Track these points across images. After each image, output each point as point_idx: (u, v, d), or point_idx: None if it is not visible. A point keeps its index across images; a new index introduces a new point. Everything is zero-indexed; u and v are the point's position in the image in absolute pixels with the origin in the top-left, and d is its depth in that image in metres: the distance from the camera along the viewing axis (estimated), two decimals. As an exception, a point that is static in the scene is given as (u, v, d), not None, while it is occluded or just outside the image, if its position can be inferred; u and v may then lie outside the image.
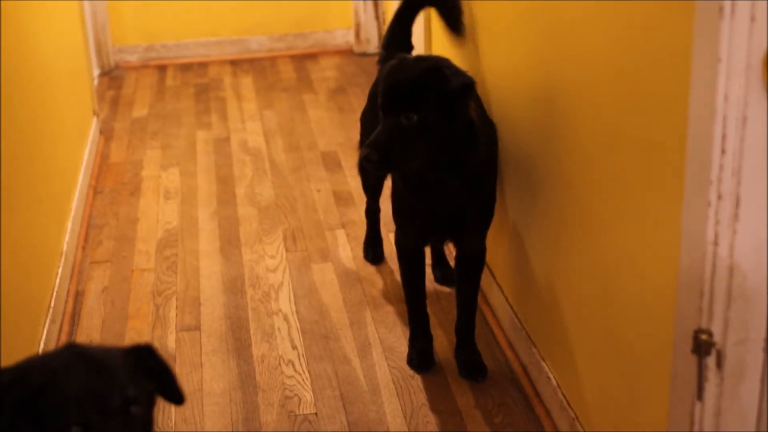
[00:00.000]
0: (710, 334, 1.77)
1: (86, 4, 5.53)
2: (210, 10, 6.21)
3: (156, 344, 3.16)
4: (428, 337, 3.04)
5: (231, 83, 5.82)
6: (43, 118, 3.55)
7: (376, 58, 3.40)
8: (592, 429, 2.48)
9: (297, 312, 3.34)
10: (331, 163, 4.56)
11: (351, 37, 6.28)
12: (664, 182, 1.91)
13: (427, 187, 2.73)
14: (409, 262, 2.98)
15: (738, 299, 1.75)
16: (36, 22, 3.65)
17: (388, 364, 3.04)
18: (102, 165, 4.66)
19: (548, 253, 2.73)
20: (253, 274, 3.60)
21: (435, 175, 2.67)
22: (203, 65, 6.19)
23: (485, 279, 3.25)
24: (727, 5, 1.59)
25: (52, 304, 3.18)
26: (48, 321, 3.08)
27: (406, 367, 3.01)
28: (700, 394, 1.82)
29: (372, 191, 3.55)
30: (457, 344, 3.01)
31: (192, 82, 5.89)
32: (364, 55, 6.18)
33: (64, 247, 3.55)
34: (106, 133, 5.06)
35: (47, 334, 3.02)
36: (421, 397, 2.88)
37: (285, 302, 3.41)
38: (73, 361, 1.59)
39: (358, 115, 3.43)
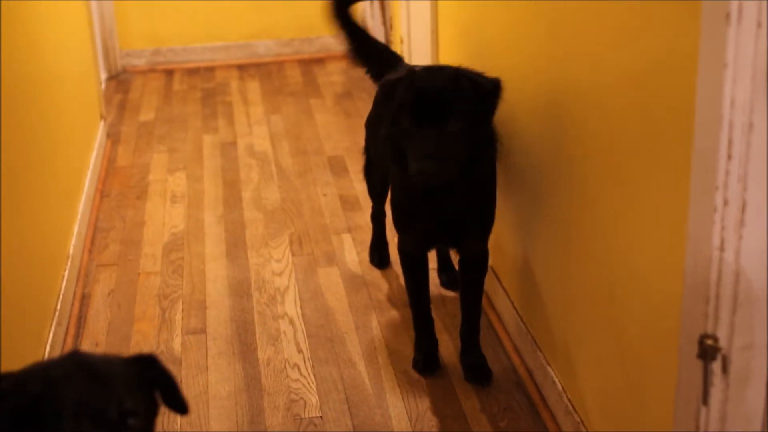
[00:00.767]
0: (716, 339, 1.78)
1: (94, 8, 5.55)
2: (217, 15, 6.23)
3: (162, 347, 3.18)
4: (433, 341, 3.05)
5: (238, 87, 5.84)
6: (51, 122, 3.56)
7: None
8: (598, 434, 2.48)
9: (303, 315, 3.35)
10: (337, 167, 4.57)
11: (357, 42, 6.28)
12: (670, 187, 1.92)
13: (432, 193, 2.73)
14: (412, 268, 2.99)
15: (744, 304, 1.75)
16: (44, 27, 3.66)
17: (393, 368, 3.04)
18: (109, 168, 4.67)
19: (554, 258, 2.73)
20: (259, 277, 3.61)
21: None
22: (210, 69, 6.20)
23: (491, 283, 3.25)
24: (734, 11, 1.59)
25: (59, 307, 3.19)
26: (54, 324, 3.09)
27: (412, 371, 3.02)
28: (705, 399, 1.82)
29: (378, 196, 3.56)
30: (462, 348, 3.01)
31: (199, 86, 5.91)
32: (370, 59, 6.18)
33: (71, 250, 3.56)
34: (113, 137, 5.07)
35: (53, 337, 3.03)
36: (427, 401, 2.88)
37: (291, 306, 3.41)
38: (73, 371, 1.59)
39: (365, 119, 3.43)
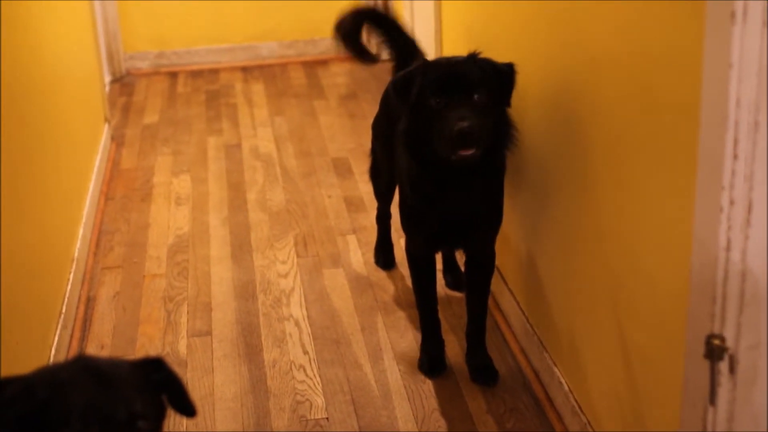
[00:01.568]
0: (723, 339, 1.77)
1: (97, 10, 5.55)
2: (221, 17, 6.23)
3: (167, 350, 3.18)
4: (440, 342, 3.04)
5: (242, 89, 5.84)
6: (55, 125, 3.56)
7: (389, 65, 3.39)
8: (604, 434, 2.47)
9: (308, 317, 3.35)
10: (341, 168, 4.57)
11: (361, 43, 6.28)
12: (676, 187, 1.91)
13: (446, 191, 2.73)
14: (419, 270, 2.99)
15: (750, 304, 1.75)
16: (48, 30, 3.67)
17: (399, 369, 3.04)
18: (113, 171, 4.68)
19: (560, 259, 2.72)
20: (264, 279, 3.61)
21: (463, 174, 2.68)
22: (214, 72, 6.20)
23: (497, 284, 3.25)
24: (739, 10, 1.59)
25: (64, 310, 3.19)
26: (59, 326, 3.09)
27: (418, 372, 3.01)
28: (712, 399, 1.82)
29: (383, 197, 3.56)
30: (468, 349, 3.01)
31: (203, 88, 5.91)
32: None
33: (76, 253, 3.56)
34: (117, 140, 5.07)
35: (59, 340, 3.03)
36: (433, 402, 2.88)
37: (296, 307, 3.41)
38: (81, 375, 1.59)
39: (370, 121, 3.43)
